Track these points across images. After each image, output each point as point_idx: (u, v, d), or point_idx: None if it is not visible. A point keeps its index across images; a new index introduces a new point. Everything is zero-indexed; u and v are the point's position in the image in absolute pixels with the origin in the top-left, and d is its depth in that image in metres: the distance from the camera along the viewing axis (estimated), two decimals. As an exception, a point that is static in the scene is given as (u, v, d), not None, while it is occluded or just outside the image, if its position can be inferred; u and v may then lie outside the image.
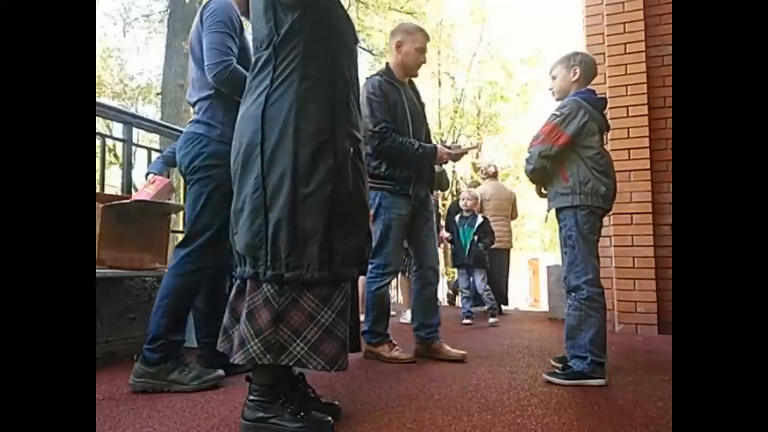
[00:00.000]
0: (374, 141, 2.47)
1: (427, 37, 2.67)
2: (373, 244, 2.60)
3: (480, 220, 4.43)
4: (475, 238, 4.34)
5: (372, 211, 2.61)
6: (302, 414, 1.42)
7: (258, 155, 1.38)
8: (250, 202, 1.38)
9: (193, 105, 2.06)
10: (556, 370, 2.18)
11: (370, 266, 2.62)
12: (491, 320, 4.11)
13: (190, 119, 2.05)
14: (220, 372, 1.98)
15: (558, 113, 2.19)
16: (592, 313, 2.11)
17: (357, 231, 1.44)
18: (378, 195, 2.58)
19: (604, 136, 2.30)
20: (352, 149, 1.44)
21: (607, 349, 2.13)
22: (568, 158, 2.18)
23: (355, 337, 1.58)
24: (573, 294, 2.17)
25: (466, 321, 4.26)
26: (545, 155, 2.17)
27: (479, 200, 4.60)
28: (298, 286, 1.36)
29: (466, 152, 2.85)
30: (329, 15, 1.47)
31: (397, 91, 2.61)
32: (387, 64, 2.69)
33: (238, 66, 1.91)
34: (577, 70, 2.26)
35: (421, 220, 2.64)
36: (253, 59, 1.50)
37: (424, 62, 2.67)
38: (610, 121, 3.60)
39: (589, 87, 2.27)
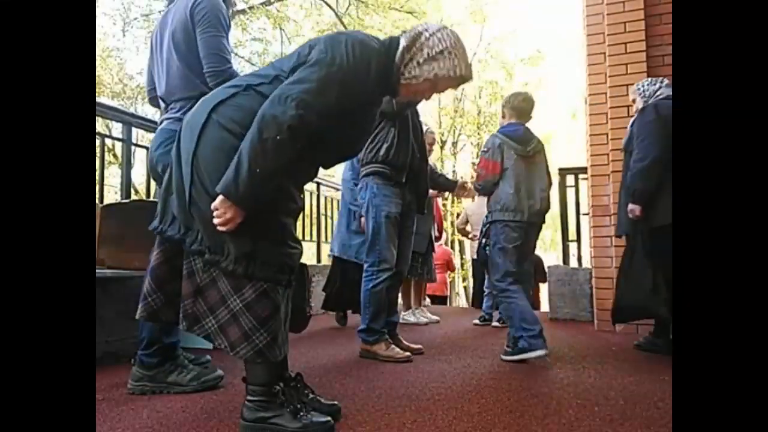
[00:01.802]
0: None
1: None
2: (366, 243, 2.64)
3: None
4: (483, 240, 4.26)
5: (363, 210, 2.66)
6: (302, 414, 1.42)
7: (198, 132, 1.39)
8: (186, 172, 1.40)
9: (169, 102, 1.99)
10: (507, 348, 2.61)
11: (365, 265, 2.64)
12: (494, 323, 4.09)
13: (166, 116, 1.99)
14: (219, 372, 1.98)
15: (485, 149, 2.79)
16: (506, 301, 2.63)
17: (284, 245, 1.42)
18: (368, 193, 2.61)
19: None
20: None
21: (538, 319, 2.51)
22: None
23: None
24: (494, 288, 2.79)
25: (475, 321, 4.17)
26: (493, 183, 2.71)
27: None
28: (216, 268, 1.39)
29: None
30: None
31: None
32: None
33: (235, 71, 1.92)
34: (505, 112, 2.85)
35: (404, 224, 2.70)
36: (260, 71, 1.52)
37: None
38: (610, 121, 3.64)
39: (515, 122, 2.79)
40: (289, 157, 1.34)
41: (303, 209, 1.68)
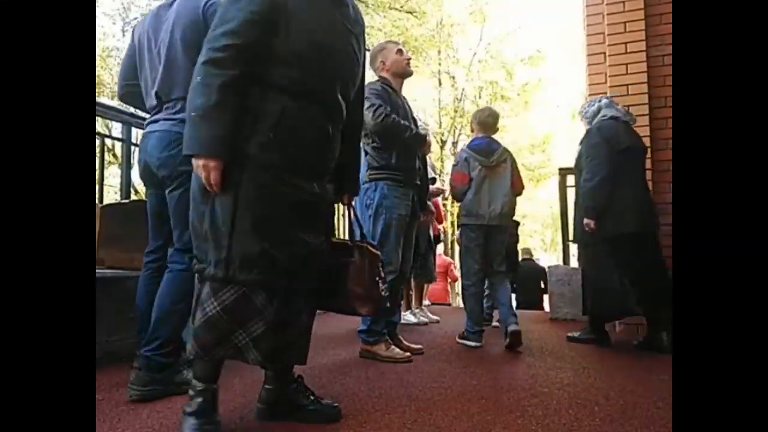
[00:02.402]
0: (377, 119, 2.55)
1: (397, 43, 2.89)
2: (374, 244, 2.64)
3: None
4: None
5: (371, 211, 2.64)
6: (197, 422, 1.37)
7: None
8: None
9: (167, 100, 1.91)
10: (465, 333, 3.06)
11: None
12: (494, 323, 4.09)
13: (165, 116, 1.91)
14: None
15: (455, 162, 3.22)
16: (466, 297, 3.11)
17: (268, 240, 1.35)
18: (378, 194, 2.61)
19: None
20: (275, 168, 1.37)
21: (480, 321, 3.05)
22: None
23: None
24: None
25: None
26: (462, 192, 3.11)
27: None
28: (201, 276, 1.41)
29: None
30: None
31: (398, 98, 2.74)
32: (382, 78, 2.79)
33: None
34: (473, 127, 3.33)
35: (409, 225, 2.75)
36: None
37: (410, 57, 2.88)
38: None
39: (481, 135, 3.22)
40: (219, 84, 1.30)
41: (322, 200, 1.51)
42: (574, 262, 4.90)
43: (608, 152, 2.80)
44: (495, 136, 3.25)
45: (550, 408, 1.73)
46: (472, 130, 3.30)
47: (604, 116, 2.97)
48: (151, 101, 1.96)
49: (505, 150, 3.17)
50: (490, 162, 3.09)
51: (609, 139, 2.83)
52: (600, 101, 3.06)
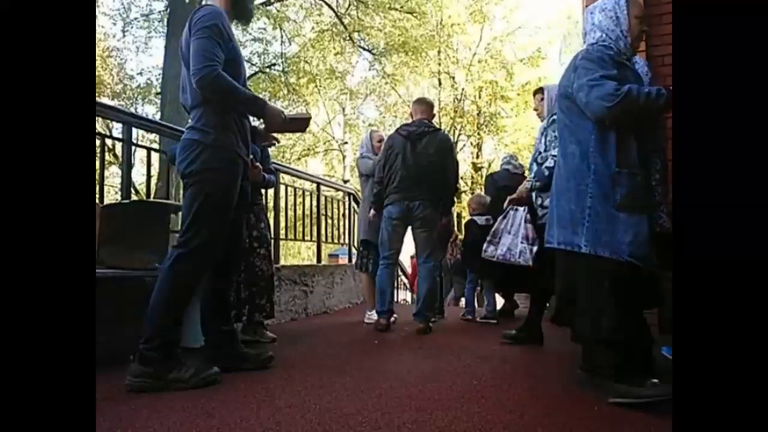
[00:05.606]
0: None
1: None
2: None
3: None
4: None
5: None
6: None
7: None
8: None
9: (189, 111, 2.08)
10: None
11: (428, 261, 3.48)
12: (479, 318, 4.21)
13: (187, 126, 2.09)
14: (217, 368, 2.01)
15: None
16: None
17: None
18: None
19: None
20: None
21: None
22: None
23: None
24: None
25: (468, 316, 4.33)
26: None
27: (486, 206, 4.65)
28: None
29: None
30: None
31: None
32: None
33: (224, 73, 1.94)
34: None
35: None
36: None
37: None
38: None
39: None
40: None
41: None
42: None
43: (492, 185, 4.41)
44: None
45: (551, 408, 1.73)
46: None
47: (501, 165, 4.55)
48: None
49: None
50: None
51: (496, 180, 4.40)
52: (503, 159, 4.57)
